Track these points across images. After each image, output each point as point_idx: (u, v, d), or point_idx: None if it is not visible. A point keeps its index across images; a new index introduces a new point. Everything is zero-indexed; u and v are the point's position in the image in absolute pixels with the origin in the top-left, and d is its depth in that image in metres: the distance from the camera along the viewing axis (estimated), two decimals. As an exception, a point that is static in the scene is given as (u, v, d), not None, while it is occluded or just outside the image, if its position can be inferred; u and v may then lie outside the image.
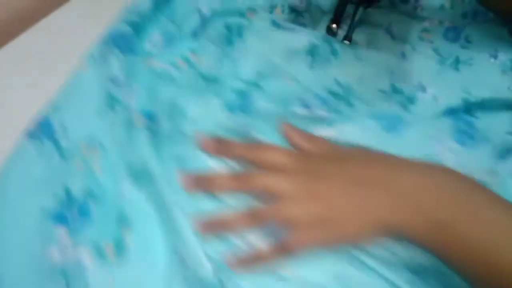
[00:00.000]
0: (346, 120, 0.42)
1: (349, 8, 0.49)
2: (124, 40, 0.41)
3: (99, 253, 0.34)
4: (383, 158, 0.37)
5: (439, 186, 0.34)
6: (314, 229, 0.35)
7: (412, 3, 0.51)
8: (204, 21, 0.46)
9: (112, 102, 0.39)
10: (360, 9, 0.48)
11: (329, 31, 0.49)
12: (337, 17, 0.49)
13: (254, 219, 0.35)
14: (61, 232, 0.34)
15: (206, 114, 0.40)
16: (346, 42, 0.49)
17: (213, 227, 0.35)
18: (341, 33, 0.49)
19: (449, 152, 0.40)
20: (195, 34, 0.46)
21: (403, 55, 0.48)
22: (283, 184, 0.36)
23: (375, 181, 0.35)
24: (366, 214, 0.34)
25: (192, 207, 0.36)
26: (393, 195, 0.34)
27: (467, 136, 0.41)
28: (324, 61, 0.47)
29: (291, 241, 0.35)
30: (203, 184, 0.37)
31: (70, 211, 0.35)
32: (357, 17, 0.48)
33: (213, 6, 0.47)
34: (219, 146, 0.38)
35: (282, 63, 0.46)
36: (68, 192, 0.35)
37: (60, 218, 0.35)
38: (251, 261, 0.35)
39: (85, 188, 0.36)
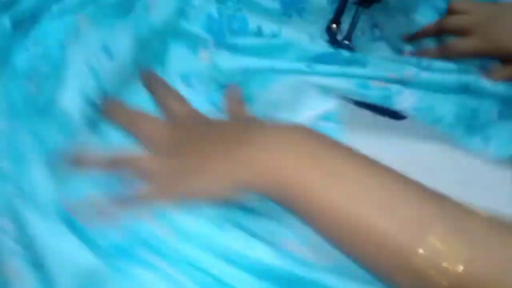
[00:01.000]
0: None
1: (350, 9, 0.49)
2: None
3: None
4: (240, 125, 0.38)
5: (291, 147, 0.33)
6: (169, 183, 0.35)
7: None
8: None
9: None
10: (360, 9, 0.48)
11: (329, 31, 0.49)
12: (337, 17, 0.49)
13: (112, 163, 0.36)
14: None
15: None
16: (346, 42, 0.49)
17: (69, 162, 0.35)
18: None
19: None
20: None
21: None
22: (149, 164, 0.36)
23: (231, 146, 0.35)
24: (222, 173, 0.34)
25: None
26: (247, 158, 0.34)
27: None
28: None
29: (144, 192, 0.35)
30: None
31: None
32: (357, 17, 0.48)
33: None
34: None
35: None
36: None
37: None
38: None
39: None
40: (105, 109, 0.38)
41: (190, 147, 0.37)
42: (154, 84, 0.41)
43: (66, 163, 0.35)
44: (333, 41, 0.49)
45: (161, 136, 0.38)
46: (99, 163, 0.36)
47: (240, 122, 0.40)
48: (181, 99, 0.41)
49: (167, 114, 0.40)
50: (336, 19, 0.49)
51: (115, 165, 0.36)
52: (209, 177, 0.35)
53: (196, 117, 0.40)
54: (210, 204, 0.35)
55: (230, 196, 0.35)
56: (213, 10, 0.45)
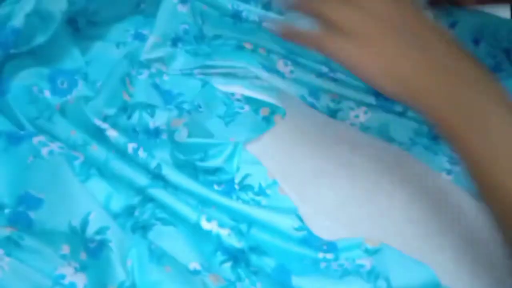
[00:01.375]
0: None
1: None
2: None
3: None
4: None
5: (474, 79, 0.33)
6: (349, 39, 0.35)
7: None
8: None
9: None
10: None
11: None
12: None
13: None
14: None
15: None
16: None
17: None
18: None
19: None
20: None
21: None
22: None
23: (420, 43, 0.34)
24: (398, 63, 0.34)
25: None
26: (429, 64, 0.33)
27: None
28: None
29: (327, 36, 0.35)
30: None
31: None
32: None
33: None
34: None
35: None
36: None
37: None
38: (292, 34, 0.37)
39: None
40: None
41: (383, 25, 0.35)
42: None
43: None
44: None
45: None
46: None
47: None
48: None
49: None
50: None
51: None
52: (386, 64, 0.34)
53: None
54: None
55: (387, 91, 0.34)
56: None
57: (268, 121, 0.46)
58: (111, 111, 0.42)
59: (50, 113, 0.41)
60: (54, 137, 0.40)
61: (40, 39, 0.42)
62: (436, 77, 0.33)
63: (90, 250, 0.36)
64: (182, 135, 0.41)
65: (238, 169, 0.42)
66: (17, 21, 0.39)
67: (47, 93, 0.42)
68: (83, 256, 0.37)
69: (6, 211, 0.38)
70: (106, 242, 0.36)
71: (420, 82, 0.33)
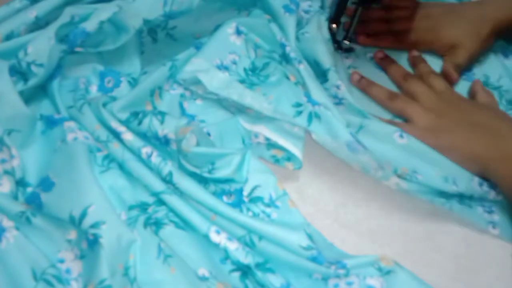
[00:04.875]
0: None
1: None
2: None
3: None
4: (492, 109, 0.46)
5: None
6: (424, 132, 0.44)
7: None
8: None
9: None
10: (360, 9, 0.48)
11: (329, 31, 0.49)
12: (337, 17, 0.49)
13: (389, 97, 0.47)
14: None
15: None
16: (346, 42, 0.50)
17: (362, 82, 0.49)
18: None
19: None
20: None
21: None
22: (416, 110, 0.45)
23: (483, 126, 0.43)
24: (471, 151, 0.42)
25: None
26: (493, 138, 0.42)
27: None
28: None
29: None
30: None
31: None
32: (357, 17, 0.48)
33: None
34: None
35: None
36: None
37: None
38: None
39: None
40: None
41: (454, 115, 0.44)
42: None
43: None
44: (333, 41, 0.49)
45: (423, 92, 0.46)
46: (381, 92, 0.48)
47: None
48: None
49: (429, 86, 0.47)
50: (336, 19, 0.49)
51: (390, 97, 0.47)
52: (461, 142, 0.43)
53: (459, 95, 0.47)
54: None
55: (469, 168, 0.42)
56: None
57: (277, 161, 0.44)
58: (123, 116, 0.42)
59: (82, 104, 0.42)
60: (83, 127, 0.41)
61: (109, 46, 0.44)
62: (503, 152, 0.41)
63: (89, 241, 0.36)
64: (189, 144, 0.40)
65: (246, 180, 0.41)
66: (90, 25, 0.42)
67: (94, 88, 0.45)
68: (84, 244, 0.36)
69: (29, 189, 0.39)
70: (97, 237, 0.35)
71: (490, 156, 0.41)
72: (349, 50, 0.51)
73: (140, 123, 0.42)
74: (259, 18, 0.48)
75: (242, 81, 0.45)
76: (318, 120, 0.42)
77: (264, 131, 0.44)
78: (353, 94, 0.47)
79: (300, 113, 0.43)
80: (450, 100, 0.46)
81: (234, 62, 0.46)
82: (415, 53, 0.51)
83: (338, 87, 0.46)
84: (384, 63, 0.51)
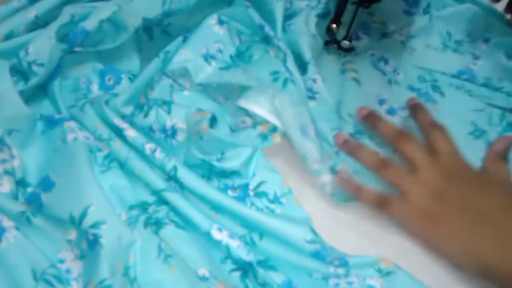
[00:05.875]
0: None
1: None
2: None
3: None
4: (502, 190, 0.40)
5: None
6: (419, 213, 0.39)
7: None
8: None
9: None
10: (360, 10, 0.48)
11: (329, 31, 0.49)
12: (337, 17, 0.49)
13: (382, 165, 0.41)
14: None
15: None
16: (346, 42, 0.50)
17: (349, 145, 0.42)
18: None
19: None
20: None
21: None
22: (412, 186, 0.39)
23: (490, 217, 0.38)
24: (469, 246, 0.37)
25: None
26: (502, 239, 0.36)
27: None
28: None
29: (394, 204, 0.39)
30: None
31: None
32: (357, 17, 0.48)
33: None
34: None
35: None
36: None
37: None
38: (353, 189, 0.40)
39: None
40: (368, 119, 0.44)
41: (455, 196, 0.39)
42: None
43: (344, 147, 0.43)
44: (333, 41, 0.49)
45: (422, 161, 0.40)
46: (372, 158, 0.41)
47: None
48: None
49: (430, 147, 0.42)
50: (336, 19, 0.49)
51: (382, 165, 0.41)
52: (459, 245, 0.37)
53: (464, 166, 0.41)
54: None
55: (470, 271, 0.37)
56: None
57: (265, 138, 0.43)
58: (128, 110, 0.42)
59: (83, 103, 0.42)
60: (84, 127, 0.42)
61: (108, 45, 0.44)
62: (504, 250, 0.36)
63: (89, 241, 0.36)
64: (207, 125, 0.40)
65: (253, 175, 0.42)
66: (90, 24, 0.42)
67: (95, 86, 0.45)
68: (84, 245, 0.37)
69: (29, 189, 0.39)
70: (97, 237, 0.35)
71: (491, 257, 0.36)
72: (349, 50, 0.51)
73: (146, 115, 0.42)
74: (239, 6, 0.49)
75: (228, 67, 0.47)
76: (293, 84, 0.43)
77: (248, 105, 0.44)
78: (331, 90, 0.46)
79: (277, 79, 0.44)
80: (454, 172, 0.40)
81: (220, 51, 0.47)
82: (414, 100, 0.47)
83: (314, 80, 0.46)
84: (371, 120, 0.44)
